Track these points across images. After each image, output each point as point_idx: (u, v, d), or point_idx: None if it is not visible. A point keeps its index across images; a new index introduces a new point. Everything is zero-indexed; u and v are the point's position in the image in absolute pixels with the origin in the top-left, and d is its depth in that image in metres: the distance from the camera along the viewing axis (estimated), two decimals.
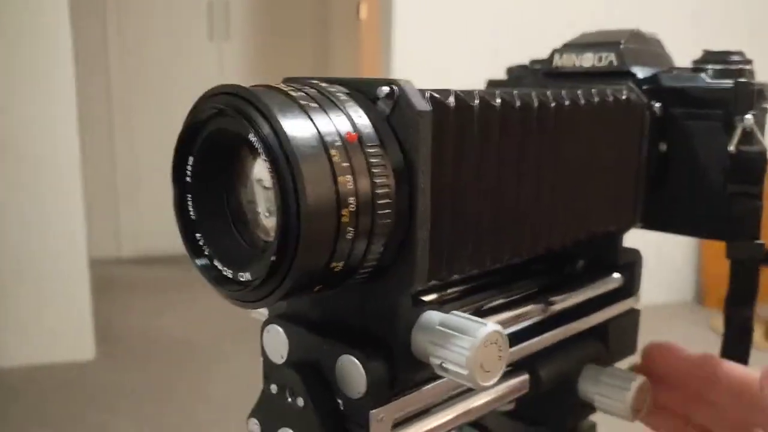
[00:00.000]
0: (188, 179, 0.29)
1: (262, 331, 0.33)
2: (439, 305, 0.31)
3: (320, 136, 0.26)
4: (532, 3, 2.39)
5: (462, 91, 0.31)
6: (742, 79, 0.41)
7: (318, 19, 3.45)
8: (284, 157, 0.25)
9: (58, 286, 2.13)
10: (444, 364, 0.29)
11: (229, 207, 0.29)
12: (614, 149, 0.40)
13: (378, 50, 2.53)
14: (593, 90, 0.38)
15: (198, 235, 0.29)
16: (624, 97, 0.40)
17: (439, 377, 0.32)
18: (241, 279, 0.28)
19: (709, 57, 0.43)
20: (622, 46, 0.43)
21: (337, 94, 0.28)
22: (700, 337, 2.43)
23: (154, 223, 3.20)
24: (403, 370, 0.30)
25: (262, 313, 0.35)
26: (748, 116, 0.40)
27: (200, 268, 0.29)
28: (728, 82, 0.41)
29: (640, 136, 0.41)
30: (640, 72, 0.43)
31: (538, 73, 0.47)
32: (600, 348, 0.42)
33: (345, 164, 0.26)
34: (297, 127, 0.25)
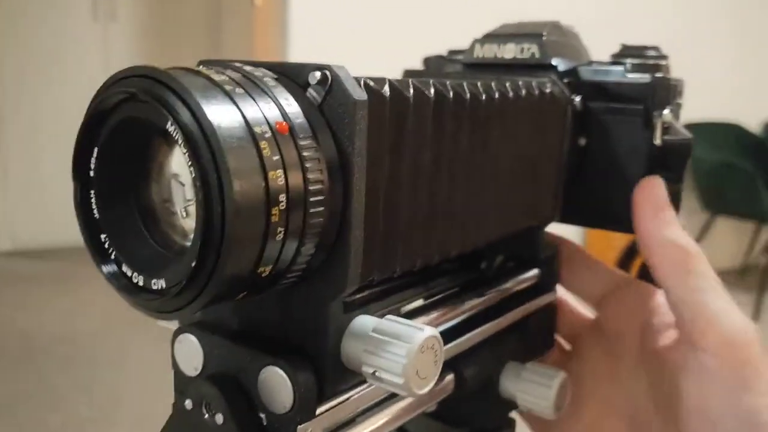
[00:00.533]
0: (91, 173, 0.26)
1: (173, 340, 0.30)
2: (365, 308, 0.29)
3: (248, 126, 0.23)
4: None
5: (395, 80, 0.29)
6: (660, 74, 0.41)
7: (211, 3, 3.34)
8: (208, 149, 0.22)
9: None
10: (377, 373, 0.27)
11: (138, 205, 0.26)
12: (538, 143, 0.39)
13: (273, 38, 2.47)
14: (520, 82, 0.37)
15: (103, 236, 0.26)
16: (548, 91, 0.39)
17: (363, 384, 0.30)
18: (154, 287, 0.25)
19: (627, 51, 0.43)
20: (544, 38, 0.42)
21: (264, 79, 0.25)
22: None
23: (36, 216, 3.01)
24: (332, 381, 0.28)
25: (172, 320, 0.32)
26: (666, 111, 0.41)
27: (107, 276, 0.26)
28: (646, 77, 0.41)
29: (562, 131, 0.41)
30: (562, 65, 0.42)
31: (458, 64, 0.46)
32: (520, 344, 0.42)
33: (275, 157, 0.23)
34: (222, 115, 0.22)
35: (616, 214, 0.42)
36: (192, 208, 0.24)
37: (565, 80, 0.42)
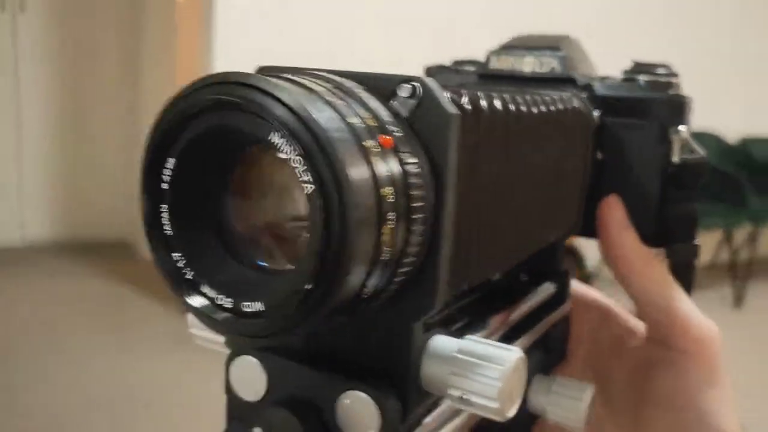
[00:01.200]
0: (165, 186, 0.24)
1: (228, 363, 0.29)
2: (444, 328, 0.28)
3: (357, 139, 0.22)
4: None
5: (469, 91, 0.28)
6: (675, 92, 0.42)
7: (128, 3, 3.19)
8: (325, 161, 0.20)
9: None
10: (466, 396, 0.26)
11: (217, 223, 0.24)
12: (566, 157, 0.39)
13: (198, 33, 2.40)
14: (548, 97, 0.37)
15: (176, 255, 0.24)
16: (575, 105, 0.39)
17: (437, 406, 0.29)
18: (248, 310, 0.23)
19: (639, 68, 0.44)
20: (563, 52, 0.42)
21: (355, 90, 0.24)
22: None
23: None
24: (415, 405, 0.27)
25: (213, 339, 0.30)
26: (683, 128, 0.42)
27: (184, 299, 0.24)
28: (662, 94, 0.42)
29: (586, 145, 0.41)
30: (579, 79, 0.42)
31: (471, 75, 0.45)
32: (543, 357, 0.42)
33: (386, 173, 0.22)
34: (334, 127, 0.21)
35: (638, 228, 0.43)
36: (293, 224, 0.22)
37: (583, 95, 0.42)
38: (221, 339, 0.30)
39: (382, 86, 0.25)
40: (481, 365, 0.26)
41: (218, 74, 0.22)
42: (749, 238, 2.90)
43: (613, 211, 0.41)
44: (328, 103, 0.22)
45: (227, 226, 0.24)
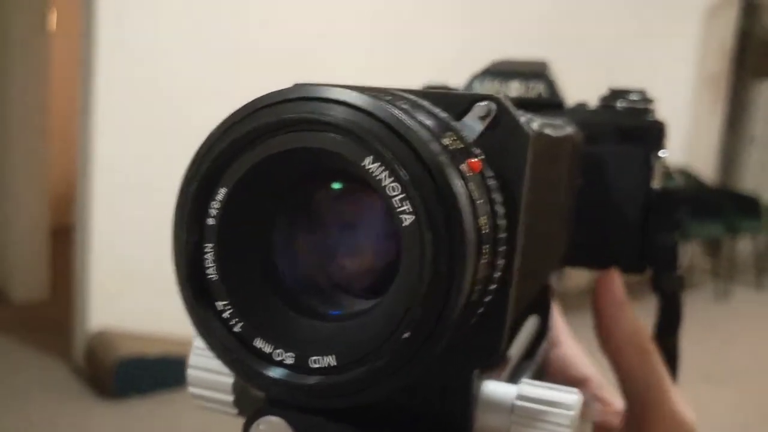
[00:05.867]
0: (211, 222, 0.20)
1: (248, 425, 0.25)
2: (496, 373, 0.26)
3: (456, 162, 0.19)
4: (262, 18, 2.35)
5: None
6: (654, 118, 0.42)
7: None
8: (433, 189, 0.18)
9: None
10: None
11: (271, 264, 0.21)
12: (563, 184, 0.38)
13: (73, 67, 2.26)
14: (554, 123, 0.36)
15: (222, 303, 0.20)
16: (568, 132, 0.38)
17: None
18: (316, 365, 0.20)
19: (616, 94, 0.44)
20: (549, 77, 0.41)
21: (435, 111, 0.21)
22: None
23: None
24: None
25: (217, 399, 0.27)
26: (664, 153, 0.42)
27: (233, 359, 0.20)
28: (643, 120, 0.42)
29: (576, 171, 0.40)
30: (567, 105, 0.42)
31: None
32: None
33: (481, 201, 0.20)
34: (436, 150, 0.19)
35: (613, 257, 0.42)
36: (373, 263, 0.20)
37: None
38: (228, 399, 0.27)
39: (453, 104, 0.23)
40: (547, 412, 0.23)
41: (299, 88, 0.19)
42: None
43: (612, 286, 0.40)
44: (421, 124, 0.19)
45: (283, 269, 0.21)
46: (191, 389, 0.27)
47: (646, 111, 0.43)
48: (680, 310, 0.42)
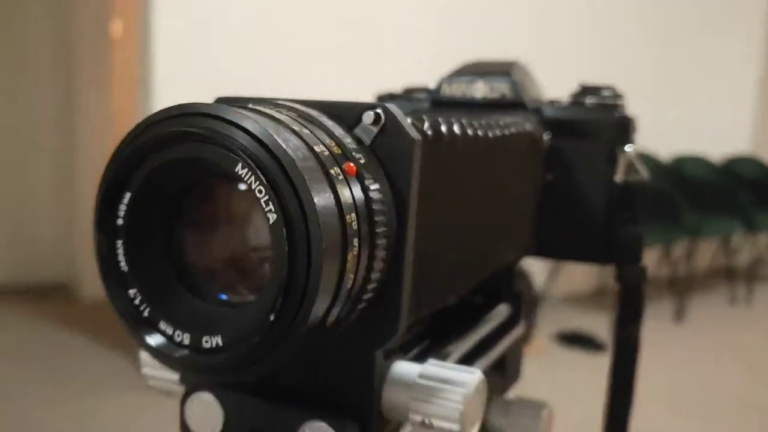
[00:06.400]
0: (120, 221, 0.23)
1: (183, 401, 0.28)
2: (403, 353, 0.28)
3: (323, 166, 0.22)
4: (306, 25, 2.40)
5: (429, 117, 0.28)
6: (622, 113, 0.43)
7: (60, 39, 3.09)
8: (293, 192, 0.20)
9: None
10: (428, 421, 0.26)
11: (174, 256, 0.24)
12: (519, 180, 0.40)
13: (133, 72, 2.35)
14: (503, 121, 0.38)
15: (132, 291, 0.23)
16: (527, 129, 0.40)
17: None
18: (207, 345, 0.22)
19: (586, 91, 0.45)
20: (513, 77, 0.43)
21: (320, 118, 0.24)
22: None
23: None
24: (375, 430, 0.26)
25: (166, 378, 0.30)
26: (630, 148, 0.43)
27: (139, 337, 0.23)
28: (610, 116, 0.43)
29: (539, 168, 0.42)
30: (530, 103, 0.43)
31: (423, 102, 0.46)
32: (500, 379, 0.42)
33: (349, 200, 0.22)
34: (301, 156, 0.21)
35: (582, 247, 0.44)
36: (255, 255, 0.22)
37: (533, 118, 0.43)
38: (175, 377, 0.30)
39: (345, 114, 0.25)
40: (443, 389, 0.26)
41: (180, 106, 0.22)
42: (687, 252, 3.01)
43: None
44: (294, 132, 0.22)
45: (185, 260, 0.24)
46: (144, 370, 0.30)
47: (615, 107, 0.44)
48: (642, 301, 0.43)
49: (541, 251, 0.44)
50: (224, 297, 0.24)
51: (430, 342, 0.33)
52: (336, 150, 0.23)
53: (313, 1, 2.34)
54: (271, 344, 0.21)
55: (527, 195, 0.41)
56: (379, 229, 0.23)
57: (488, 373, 0.39)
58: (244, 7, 2.25)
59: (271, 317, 0.21)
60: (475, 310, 0.42)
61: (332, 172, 0.22)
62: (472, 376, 0.26)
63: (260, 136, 0.21)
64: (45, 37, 3.04)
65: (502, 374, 0.42)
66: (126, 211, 0.23)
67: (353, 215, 0.22)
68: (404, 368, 0.27)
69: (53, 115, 3.02)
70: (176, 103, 0.22)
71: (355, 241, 0.22)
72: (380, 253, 0.23)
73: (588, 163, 0.43)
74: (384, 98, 0.49)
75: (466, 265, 0.32)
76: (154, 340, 0.23)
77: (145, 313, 0.23)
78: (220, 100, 0.27)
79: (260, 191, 0.21)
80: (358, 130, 0.25)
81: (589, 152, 0.43)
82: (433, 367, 0.26)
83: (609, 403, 0.43)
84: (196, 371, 0.23)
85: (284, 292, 0.20)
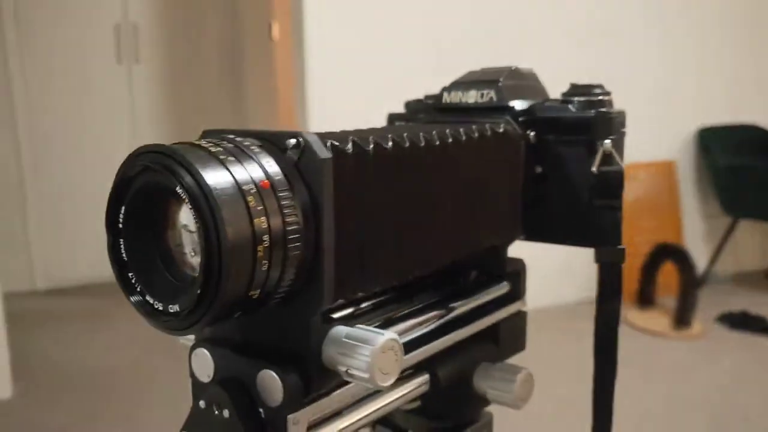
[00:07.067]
0: (120, 226, 0.33)
1: (190, 354, 0.37)
2: (348, 320, 0.36)
3: (237, 185, 0.30)
4: (447, 23, 2.48)
5: (359, 137, 0.36)
6: (602, 109, 0.48)
7: (228, 40, 3.46)
8: (207, 205, 0.29)
9: None
10: (349, 371, 0.33)
11: (157, 249, 0.33)
12: (495, 174, 0.46)
13: (291, 70, 2.56)
14: (473, 126, 0.44)
15: (130, 274, 0.33)
16: (501, 130, 0.46)
17: (348, 383, 0.36)
18: (171, 310, 0.32)
19: (575, 90, 0.50)
20: (500, 84, 0.49)
21: (251, 147, 0.32)
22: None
23: (67, 254, 3.13)
24: (316, 380, 0.34)
25: (189, 338, 0.39)
26: (607, 141, 0.47)
27: (134, 304, 0.33)
28: (590, 112, 0.48)
29: (517, 162, 0.47)
30: (518, 105, 0.49)
31: (431, 108, 0.53)
32: (492, 348, 0.48)
33: (259, 207, 0.30)
34: (217, 179, 0.29)
35: (569, 231, 0.49)
36: (198, 249, 0.31)
37: (521, 118, 0.49)
38: (191, 337, 0.39)
39: (277, 140, 0.33)
40: (358, 346, 0.33)
41: (143, 147, 0.31)
42: None
43: None
44: (220, 161, 0.30)
45: (164, 252, 0.33)
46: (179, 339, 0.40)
47: (600, 103, 0.48)
48: (621, 278, 0.47)
49: (531, 236, 0.50)
50: (188, 276, 0.33)
51: (380, 312, 0.40)
52: (256, 172, 0.31)
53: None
54: (203, 311, 0.30)
55: (506, 186, 0.47)
56: (291, 227, 0.31)
57: (476, 341, 0.46)
58: (384, 10, 2.38)
59: (198, 291, 0.30)
60: (470, 285, 0.48)
61: (245, 188, 0.30)
62: (382, 336, 0.33)
63: (187, 166, 0.29)
64: (213, 36, 3.40)
65: (496, 343, 0.49)
66: (123, 218, 0.33)
67: (263, 218, 0.30)
68: (337, 331, 0.34)
69: (225, 113, 3.37)
70: (145, 144, 0.31)
71: (265, 237, 0.30)
72: (294, 245, 0.31)
73: (572, 156, 0.48)
74: (410, 104, 0.57)
75: (404, 255, 0.39)
76: (143, 307, 0.33)
77: (138, 288, 0.33)
78: (205, 133, 0.36)
79: (190, 208, 0.29)
80: (289, 152, 0.33)
81: (573, 146, 0.48)
82: (355, 329, 0.34)
83: (595, 375, 0.48)
84: (165, 328, 0.32)
85: (204, 275, 0.29)
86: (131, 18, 3.25)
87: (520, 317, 0.51)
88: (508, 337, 0.50)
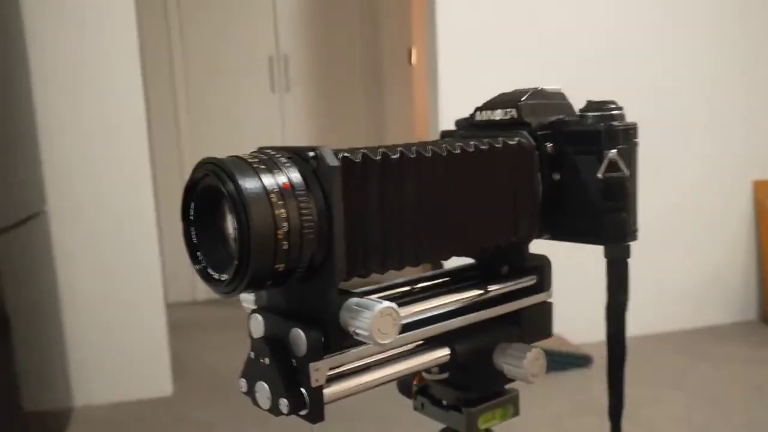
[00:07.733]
0: (191, 217, 0.45)
1: (249, 318, 0.49)
2: (362, 294, 0.45)
3: (263, 186, 0.41)
4: (575, 44, 2.52)
5: (369, 150, 0.46)
6: (612, 122, 0.55)
7: (371, 67, 3.68)
8: (240, 201, 0.40)
9: (138, 329, 2.33)
10: (357, 331, 0.43)
11: (216, 233, 0.45)
12: (508, 180, 0.54)
13: (426, 93, 2.69)
14: (486, 139, 0.52)
15: (198, 252, 0.45)
16: (514, 142, 0.54)
17: (361, 343, 0.46)
18: (222, 279, 0.43)
19: (591, 106, 0.57)
20: (521, 103, 0.57)
21: (281, 158, 0.43)
22: (763, 356, 2.46)
23: None
24: (333, 338, 0.44)
25: (249, 306, 0.51)
26: (613, 150, 0.54)
27: (198, 272, 0.45)
28: (600, 126, 0.55)
29: (531, 170, 0.55)
30: (536, 121, 0.57)
31: (468, 125, 0.61)
32: (513, 331, 0.56)
33: (280, 203, 0.41)
34: (249, 183, 0.40)
35: (584, 231, 0.56)
36: (236, 234, 0.42)
37: (540, 132, 0.56)
38: (251, 304, 0.50)
39: (302, 153, 0.44)
40: (362, 311, 0.43)
41: (208, 158, 0.43)
42: None
43: None
44: (254, 169, 0.42)
45: (221, 236, 0.45)
46: (242, 303, 0.52)
47: (611, 117, 0.55)
48: (627, 272, 0.53)
49: (554, 235, 0.57)
50: (233, 252, 0.44)
51: (392, 290, 0.50)
52: (280, 177, 0.42)
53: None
54: (240, 278, 0.41)
55: (521, 190, 0.55)
56: (306, 218, 0.41)
57: (497, 322, 0.54)
58: (510, 39, 2.46)
59: (236, 263, 0.41)
60: (497, 276, 0.57)
61: (270, 188, 0.41)
62: (380, 304, 0.42)
63: (228, 173, 0.40)
64: (356, 63, 3.64)
65: (519, 327, 0.56)
66: (194, 212, 0.45)
67: (282, 210, 0.41)
68: (352, 301, 0.44)
69: (367, 134, 3.60)
70: (208, 156, 0.43)
71: (285, 224, 0.41)
72: (308, 231, 0.42)
73: (584, 164, 0.55)
74: (459, 122, 0.66)
75: (409, 242, 0.48)
76: (204, 275, 0.44)
77: (203, 263, 0.45)
78: (260, 149, 0.47)
79: (230, 203, 0.40)
80: (310, 162, 0.43)
81: (585, 155, 0.55)
82: (364, 299, 0.44)
83: (608, 360, 0.55)
84: (217, 291, 0.43)
85: (239, 252, 0.40)
86: (282, 50, 3.54)
87: (546, 307, 0.58)
88: (531, 323, 0.57)
